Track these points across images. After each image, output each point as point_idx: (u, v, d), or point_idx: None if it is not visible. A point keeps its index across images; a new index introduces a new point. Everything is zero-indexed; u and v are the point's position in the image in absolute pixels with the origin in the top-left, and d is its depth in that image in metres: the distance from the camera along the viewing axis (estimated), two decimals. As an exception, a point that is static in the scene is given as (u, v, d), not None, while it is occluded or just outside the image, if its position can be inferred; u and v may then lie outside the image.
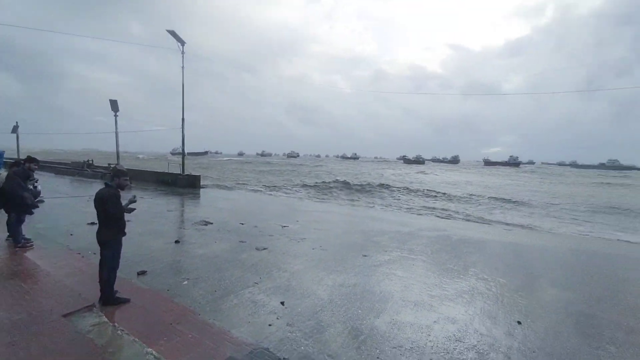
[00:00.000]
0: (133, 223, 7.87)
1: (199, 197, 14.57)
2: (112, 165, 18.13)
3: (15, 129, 24.33)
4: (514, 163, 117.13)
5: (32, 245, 5.86)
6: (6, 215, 5.85)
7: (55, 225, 7.59)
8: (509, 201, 21.36)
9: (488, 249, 7.25)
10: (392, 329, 3.55)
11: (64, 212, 9.25)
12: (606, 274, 5.86)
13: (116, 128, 17.95)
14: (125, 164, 22.15)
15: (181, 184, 17.94)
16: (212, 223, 8.64)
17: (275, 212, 11.11)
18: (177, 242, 6.66)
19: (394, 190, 25.02)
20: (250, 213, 10.69)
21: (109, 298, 3.74)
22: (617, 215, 17.68)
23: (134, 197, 4.03)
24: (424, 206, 18.84)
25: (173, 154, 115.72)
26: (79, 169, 23.40)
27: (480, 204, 20.19)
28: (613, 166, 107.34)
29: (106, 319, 3.43)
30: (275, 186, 26.64)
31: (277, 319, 3.67)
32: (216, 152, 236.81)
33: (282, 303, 4.06)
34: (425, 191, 25.30)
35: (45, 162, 29.11)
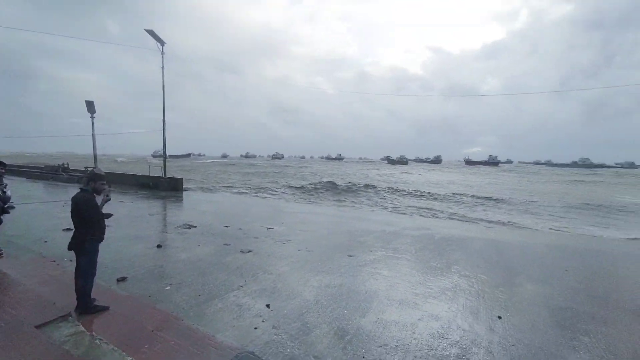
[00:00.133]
0: (112, 228, 7.62)
1: (182, 200, 14.25)
2: (89, 169, 17.48)
3: (-20, 131, 23.11)
4: (493, 162, 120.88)
5: (1, 254, 5.56)
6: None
7: (27, 232, 7.24)
8: (489, 199, 22.01)
9: (470, 247, 7.44)
10: (378, 328, 3.59)
11: (38, 219, 8.84)
12: (580, 268, 6.12)
13: (93, 130, 17.34)
14: (104, 168, 21.39)
15: (163, 187, 17.50)
16: (195, 226, 8.47)
17: (260, 214, 11.01)
18: (159, 246, 6.49)
19: (379, 191, 25.29)
20: (235, 215, 10.55)
21: (86, 306, 3.60)
22: (590, 211, 18.53)
23: (107, 195, 3.74)
24: (408, 205, 19.14)
25: (154, 156, 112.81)
26: (53, 173, 22.44)
27: (462, 203, 20.70)
28: (585, 164, 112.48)
29: (83, 329, 3.30)
30: (260, 188, 26.41)
31: (263, 321, 3.63)
32: (199, 154, 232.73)
33: (268, 306, 4.02)
34: (410, 191, 25.71)
35: (15, 166, 27.75)
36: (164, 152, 18.49)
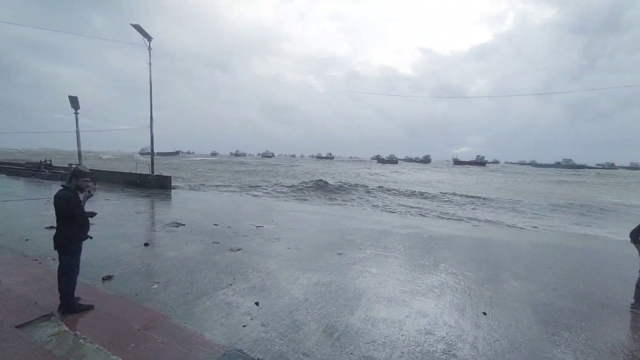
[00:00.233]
0: (98, 226, 7.46)
1: (170, 198, 14.04)
2: (73, 166, 17.04)
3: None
4: (480, 162, 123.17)
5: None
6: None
7: (8, 230, 7.02)
8: (477, 198, 22.44)
9: (457, 245, 7.57)
10: (366, 325, 3.62)
11: (19, 216, 8.58)
12: (562, 265, 6.31)
13: (77, 126, 16.91)
14: (88, 165, 20.93)
15: (150, 185, 17.21)
16: (184, 224, 8.36)
17: (250, 213, 10.95)
18: (146, 244, 6.39)
19: (369, 190, 25.47)
20: (224, 214, 10.46)
21: (70, 306, 3.52)
22: (573, 210, 19.10)
23: (89, 191, 3.57)
24: (398, 204, 19.34)
25: (142, 153, 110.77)
26: (35, 170, 21.78)
27: (451, 202, 21.04)
28: (567, 165, 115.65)
29: (66, 328, 3.22)
30: (250, 187, 26.26)
31: (252, 319, 3.63)
32: (188, 152, 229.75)
33: (257, 303, 4.01)
34: (400, 190, 25.98)
35: (-5, 162, 26.81)
36: (152, 149, 18.17)
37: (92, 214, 3.66)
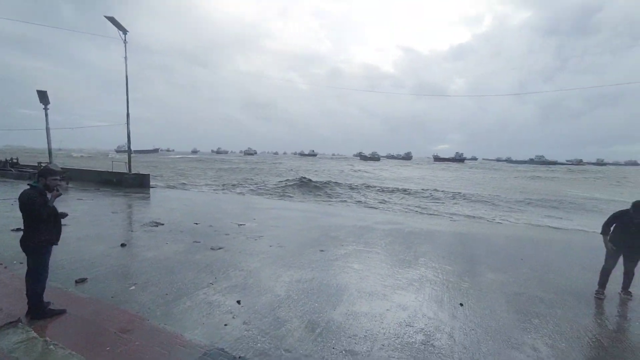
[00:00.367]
0: (70, 227, 7.16)
1: (149, 197, 13.64)
2: (42, 164, 16.18)
3: None
4: (459, 159, 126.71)
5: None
6: None
7: (-30, 232, 6.61)
8: (457, 194, 23.10)
9: (437, 239, 7.79)
10: (348, 319, 3.67)
11: (-17, 218, 8.09)
12: (534, 257, 6.61)
13: (47, 123, 16.07)
14: (59, 163, 19.98)
15: (128, 183, 16.65)
16: (163, 224, 8.15)
17: (232, 211, 10.80)
18: (123, 245, 6.18)
19: (352, 187, 25.68)
20: (205, 213, 10.27)
21: (39, 311, 3.36)
22: (545, 204, 20.00)
23: (58, 190, 3.37)
24: (380, 201, 19.63)
25: (118, 151, 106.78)
26: (0, 169, 20.57)
27: (432, 197, 21.54)
28: (540, 161, 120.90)
29: (35, 334, 3.08)
30: (233, 185, 25.88)
31: (233, 318, 3.60)
32: (167, 150, 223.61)
33: (239, 302, 3.98)
34: (382, 187, 26.34)
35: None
36: (129, 146, 17.55)
37: (64, 215, 3.50)
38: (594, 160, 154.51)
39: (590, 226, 12.72)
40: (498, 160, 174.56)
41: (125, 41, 15.44)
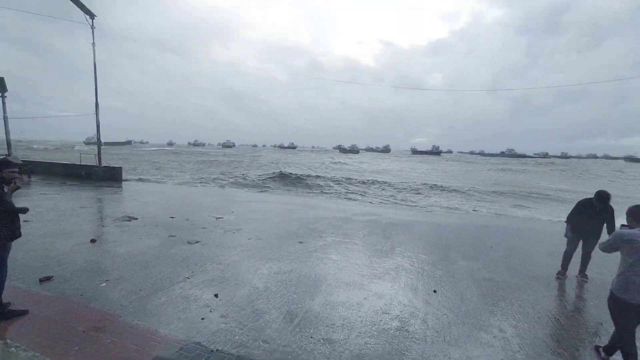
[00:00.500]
0: (34, 223, 6.79)
1: (121, 191, 13.08)
2: (1, 157, 15.06)
3: None
4: (436, 152, 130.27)
5: None
6: None
7: None
8: (434, 186, 23.79)
9: (413, 230, 8.01)
10: (326, 309, 3.73)
11: None
12: (502, 243, 6.97)
13: (4, 112, 14.96)
14: (19, 156, 18.78)
15: (98, 177, 15.88)
16: (136, 218, 7.87)
17: (209, 204, 10.59)
18: (93, 241, 5.93)
19: (332, 179, 25.82)
20: (182, 206, 10.00)
21: (-2, 312, 3.17)
22: (514, 195, 21.03)
23: (15, 183, 3.16)
24: (360, 192, 19.89)
25: (87, 143, 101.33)
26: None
27: (409, 189, 22.08)
28: (510, 154, 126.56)
29: (-4, 336, 2.92)
30: (212, 178, 25.32)
31: (211, 311, 3.56)
32: (141, 142, 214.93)
33: (216, 295, 3.94)
34: (361, 179, 26.66)
35: None
36: (98, 138, 16.69)
37: (23, 210, 3.29)
38: (558, 154, 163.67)
39: (555, 215, 13.53)
40: (472, 153, 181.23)
41: (92, 26, 14.53)
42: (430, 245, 6.63)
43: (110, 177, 16.01)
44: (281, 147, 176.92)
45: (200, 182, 21.80)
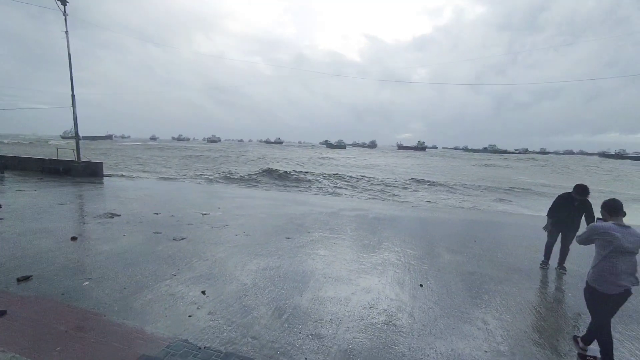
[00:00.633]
0: (9, 221, 6.54)
1: (103, 187, 12.69)
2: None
3: None
4: (421, 148, 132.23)
5: None
6: None
7: None
8: (420, 181, 24.16)
9: (399, 225, 8.13)
10: (314, 304, 3.75)
11: None
12: (486, 237, 7.16)
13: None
14: (-5, 149, 17.92)
15: (78, 172, 15.33)
16: (119, 215, 7.67)
17: (195, 200, 10.41)
18: (73, 239, 5.74)
19: (319, 174, 25.82)
20: (167, 202, 9.80)
21: (-25, 313, 3.05)
22: (498, 190, 21.62)
23: None
24: (347, 187, 19.99)
25: (64, 137, 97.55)
26: None
27: (396, 184, 22.34)
28: (492, 150, 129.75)
29: (-28, 338, 2.80)
30: (198, 174, 24.87)
31: (198, 309, 3.52)
32: (122, 136, 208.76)
33: (203, 292, 3.90)
34: (348, 174, 26.78)
35: None
36: (76, 131, 16.07)
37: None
38: (537, 149, 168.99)
39: (536, 209, 14.01)
40: (456, 148, 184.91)
41: (65, 13, 13.88)
42: (417, 239, 6.75)
43: (90, 172, 15.50)
44: (267, 142, 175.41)
45: (186, 178, 21.39)
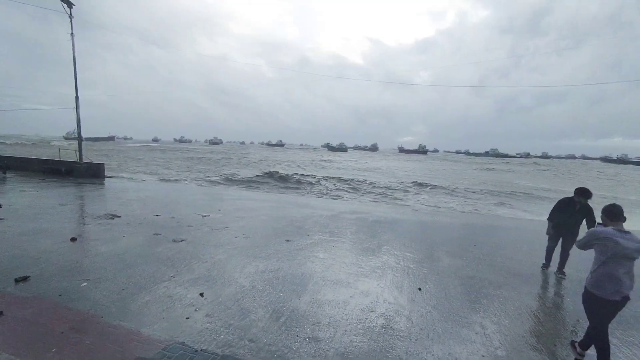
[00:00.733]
0: (10, 221, 6.56)
1: (104, 188, 12.73)
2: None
3: None
4: (422, 151, 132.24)
5: None
6: None
7: None
8: (421, 184, 24.14)
9: (399, 228, 8.11)
10: (312, 307, 3.74)
11: None
12: (486, 241, 7.13)
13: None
14: (-3, 150, 18.04)
15: (79, 173, 15.39)
16: (119, 216, 7.68)
17: (196, 202, 10.43)
18: (73, 239, 5.75)
19: (321, 177, 25.84)
20: (167, 204, 9.82)
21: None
22: (500, 194, 21.56)
23: None
24: (347, 190, 19.98)
25: (67, 138, 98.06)
26: None
27: (397, 188, 22.32)
28: (494, 154, 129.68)
29: (-31, 339, 2.80)
30: (199, 176, 24.94)
31: (196, 311, 3.52)
32: (125, 138, 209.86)
33: (202, 294, 3.90)
34: (349, 177, 26.79)
35: None
36: (79, 132, 16.15)
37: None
38: (539, 154, 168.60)
39: (537, 213, 13.96)
40: (458, 152, 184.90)
41: (70, 15, 14.01)
42: (416, 243, 6.73)
43: (92, 173, 15.55)
44: (269, 144, 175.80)
45: (187, 180, 21.44)
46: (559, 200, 5.13)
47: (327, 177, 26.29)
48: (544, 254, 5.47)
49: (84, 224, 6.93)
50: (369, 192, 20.16)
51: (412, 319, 3.62)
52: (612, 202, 3.01)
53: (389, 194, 19.91)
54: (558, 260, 5.17)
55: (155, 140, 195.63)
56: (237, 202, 10.90)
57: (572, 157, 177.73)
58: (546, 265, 5.42)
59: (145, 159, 41.87)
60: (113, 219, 7.46)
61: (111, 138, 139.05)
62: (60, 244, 5.52)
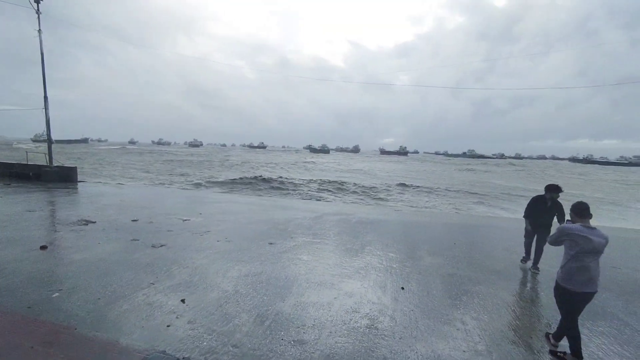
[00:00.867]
0: (-28, 229, 6.11)
1: (77, 193, 12.15)
2: None
3: None
4: (403, 152, 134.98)
5: None
6: None
7: None
8: (402, 185, 24.59)
9: (382, 228, 8.22)
10: (297, 310, 3.73)
11: None
12: (465, 240, 7.36)
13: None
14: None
15: (49, 178, 14.61)
16: (94, 222, 7.36)
17: (175, 206, 10.15)
18: (43, 247, 5.45)
19: (303, 179, 25.81)
20: (145, 208, 9.49)
21: None
22: (478, 193, 22.31)
23: None
24: (330, 192, 20.06)
25: (35, 140, 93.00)
26: None
27: (379, 189, 22.63)
28: (471, 155, 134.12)
29: None
30: (179, 180, 24.30)
31: (177, 318, 3.42)
32: (99, 140, 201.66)
33: (183, 301, 3.79)
34: (331, 179, 26.91)
35: None
36: (48, 135, 15.34)
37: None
38: (513, 154, 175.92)
39: (513, 211, 14.54)
40: (437, 153, 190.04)
41: (38, 11, 13.31)
42: (399, 243, 6.84)
43: (63, 178, 14.81)
44: (251, 146, 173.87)
45: (165, 184, 20.85)
46: (532, 198, 5.38)
47: (310, 178, 26.29)
48: (520, 251, 5.75)
49: (55, 231, 6.59)
50: (352, 193, 20.34)
51: (395, 318, 3.67)
52: (579, 199, 3.19)
53: (372, 194, 20.16)
54: (533, 256, 5.41)
55: (132, 142, 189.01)
56: (218, 205, 10.70)
57: (543, 157, 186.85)
58: (526, 258, 5.70)
59: (121, 162, 40.35)
60: (87, 225, 7.14)
61: (84, 140, 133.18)
62: (29, 252, 5.22)
